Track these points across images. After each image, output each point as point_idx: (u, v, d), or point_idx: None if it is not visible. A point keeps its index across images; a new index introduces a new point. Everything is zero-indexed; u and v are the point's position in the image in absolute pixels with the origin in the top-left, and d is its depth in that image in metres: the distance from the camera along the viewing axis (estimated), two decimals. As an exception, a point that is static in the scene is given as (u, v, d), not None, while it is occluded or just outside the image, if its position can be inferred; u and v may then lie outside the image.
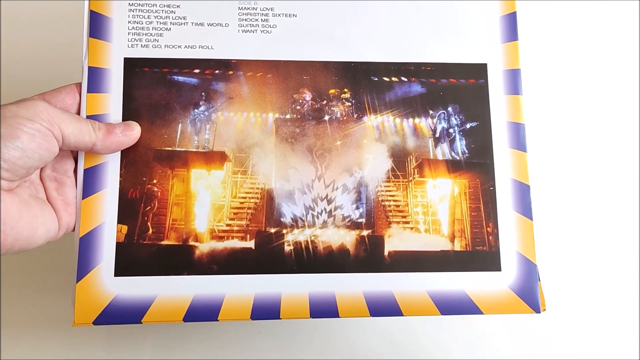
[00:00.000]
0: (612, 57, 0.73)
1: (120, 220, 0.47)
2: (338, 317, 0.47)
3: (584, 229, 0.68)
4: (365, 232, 0.49)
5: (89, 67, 0.49)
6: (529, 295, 0.48)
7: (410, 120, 0.51)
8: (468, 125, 0.51)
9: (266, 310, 0.46)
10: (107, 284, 0.46)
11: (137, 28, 0.50)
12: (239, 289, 0.47)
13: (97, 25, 0.49)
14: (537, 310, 0.48)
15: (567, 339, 0.65)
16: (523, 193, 0.50)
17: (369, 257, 0.48)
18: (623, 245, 0.68)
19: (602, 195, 0.69)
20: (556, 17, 0.75)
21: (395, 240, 0.49)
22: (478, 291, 0.48)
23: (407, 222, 0.49)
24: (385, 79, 0.51)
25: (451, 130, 0.51)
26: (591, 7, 0.75)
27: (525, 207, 0.50)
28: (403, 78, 0.51)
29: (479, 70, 0.52)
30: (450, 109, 0.51)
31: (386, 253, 0.48)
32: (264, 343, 0.62)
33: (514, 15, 0.53)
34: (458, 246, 0.49)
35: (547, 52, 0.73)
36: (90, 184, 0.47)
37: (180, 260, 0.47)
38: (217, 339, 0.61)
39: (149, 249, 0.47)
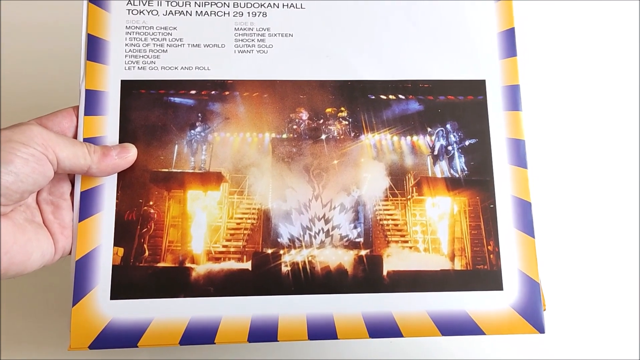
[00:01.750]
0: (613, 72, 0.73)
1: (116, 243, 0.47)
2: (337, 338, 0.46)
3: (583, 229, 0.67)
4: (363, 252, 0.48)
5: (86, 90, 0.49)
6: (532, 315, 0.47)
7: (408, 138, 0.51)
8: (467, 143, 0.50)
9: (263, 333, 0.46)
10: (103, 307, 0.45)
11: (134, 50, 0.50)
12: (236, 311, 0.46)
13: (94, 49, 0.50)
14: (542, 331, 0.47)
15: (567, 339, 0.64)
16: (524, 210, 0.49)
17: (368, 277, 0.48)
18: (622, 247, 0.67)
19: (602, 204, 0.68)
20: (556, 31, 0.74)
21: (394, 260, 0.48)
22: (480, 311, 0.47)
23: (406, 242, 0.49)
24: (383, 97, 0.51)
25: (450, 148, 0.51)
26: (591, 20, 0.75)
27: (526, 225, 0.49)
28: (400, 96, 0.51)
29: (478, 87, 0.51)
30: (448, 126, 0.51)
31: (385, 273, 0.48)
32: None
33: (512, 31, 0.53)
34: (458, 265, 0.48)
35: (547, 67, 0.73)
36: (86, 206, 0.47)
37: (176, 282, 0.46)
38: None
39: (145, 272, 0.47)
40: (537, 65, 0.72)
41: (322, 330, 0.46)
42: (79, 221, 0.47)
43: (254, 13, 0.52)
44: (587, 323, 0.65)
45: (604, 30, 0.74)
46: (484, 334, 0.47)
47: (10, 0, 0.70)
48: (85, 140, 0.48)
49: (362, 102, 0.51)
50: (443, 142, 0.51)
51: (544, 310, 0.47)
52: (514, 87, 0.52)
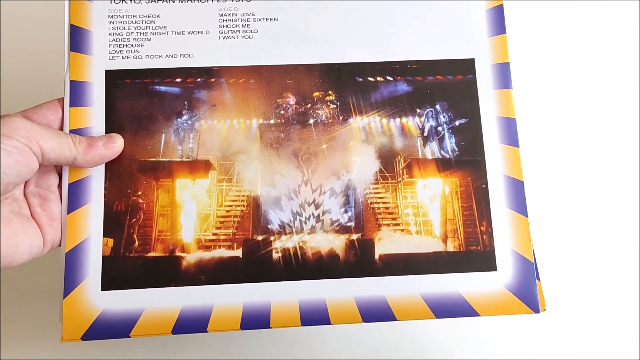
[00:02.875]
0: (605, 49, 0.72)
1: (106, 234, 0.46)
2: (330, 324, 0.46)
3: (583, 228, 0.67)
4: (354, 236, 0.48)
5: (71, 81, 0.48)
6: (527, 295, 0.47)
7: (398, 119, 0.50)
8: (457, 123, 0.50)
9: (256, 320, 0.46)
10: (94, 298, 0.45)
11: (118, 40, 0.50)
12: (228, 299, 0.46)
13: (77, 39, 0.49)
14: (536, 310, 0.47)
15: (567, 339, 0.63)
16: (517, 189, 0.49)
17: (360, 261, 0.47)
18: (623, 244, 0.66)
19: (601, 191, 0.68)
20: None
21: (386, 243, 0.48)
22: (474, 292, 0.47)
23: (398, 224, 0.48)
24: (370, 79, 0.50)
25: (440, 129, 0.50)
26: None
27: (519, 204, 0.48)
28: (388, 77, 0.50)
29: (467, 66, 0.51)
30: (438, 106, 0.50)
31: (377, 256, 0.47)
32: (260, 344, 0.61)
33: (500, 8, 0.52)
34: (451, 247, 0.48)
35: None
36: (75, 198, 0.47)
37: (167, 271, 0.46)
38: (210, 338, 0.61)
39: (136, 262, 0.46)
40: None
41: (315, 316, 0.46)
42: (68, 213, 0.46)
43: (238, -2, 0.51)
44: (587, 323, 0.64)
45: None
46: (478, 315, 0.47)
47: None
48: (71, 131, 0.47)
49: (349, 85, 0.50)
50: (433, 122, 0.50)
51: (544, 310, 0.47)
52: (503, 64, 0.51)
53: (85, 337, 0.45)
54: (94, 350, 0.61)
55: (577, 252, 0.66)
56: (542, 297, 0.47)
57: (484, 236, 0.48)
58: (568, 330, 0.63)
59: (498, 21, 0.52)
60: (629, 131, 0.69)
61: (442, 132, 0.50)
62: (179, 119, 0.49)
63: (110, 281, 0.46)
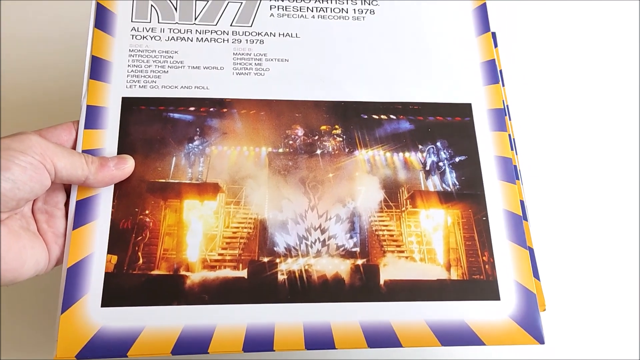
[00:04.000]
0: (606, 55, 0.77)
1: (110, 251, 0.46)
2: (334, 348, 0.44)
3: (582, 227, 0.68)
4: (360, 261, 0.48)
5: (88, 106, 0.50)
6: (531, 326, 0.47)
7: (401, 154, 0.52)
8: (457, 159, 0.52)
9: (259, 342, 0.44)
10: (93, 315, 0.44)
11: (136, 71, 0.52)
12: (231, 320, 0.45)
13: (97, 68, 0.52)
14: (541, 342, 0.46)
15: (567, 339, 0.63)
16: (516, 223, 0.50)
17: (365, 286, 0.47)
18: (623, 245, 0.68)
19: (602, 199, 0.70)
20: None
21: (391, 269, 0.48)
22: (478, 321, 0.47)
23: (402, 251, 0.49)
24: (375, 116, 0.53)
25: (441, 164, 0.52)
26: (588, 21, 0.80)
27: (519, 237, 0.50)
28: (392, 116, 0.53)
29: (464, 110, 0.54)
30: (439, 143, 0.53)
31: (382, 282, 0.47)
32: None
33: (493, 62, 0.56)
34: (455, 275, 0.48)
35: (541, 73, 0.77)
36: (81, 215, 0.47)
37: (170, 290, 0.45)
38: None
39: (139, 279, 0.45)
40: (530, 71, 0.76)
41: (319, 340, 0.45)
42: (74, 229, 0.46)
43: (251, 40, 0.55)
44: (587, 323, 0.64)
45: (602, 32, 0.80)
46: (484, 344, 0.46)
47: (20, 15, 0.73)
48: (84, 152, 0.48)
49: (355, 121, 0.53)
50: (434, 158, 0.52)
51: (544, 310, 0.47)
52: (498, 110, 0.54)
53: (81, 355, 0.43)
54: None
55: (577, 252, 0.67)
56: (542, 297, 0.48)
57: (487, 266, 0.48)
58: (568, 330, 0.63)
59: (492, 72, 0.56)
60: (629, 132, 0.73)
61: (443, 167, 0.52)
62: (190, 144, 0.50)
63: (111, 298, 0.45)
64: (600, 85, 0.77)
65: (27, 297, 0.61)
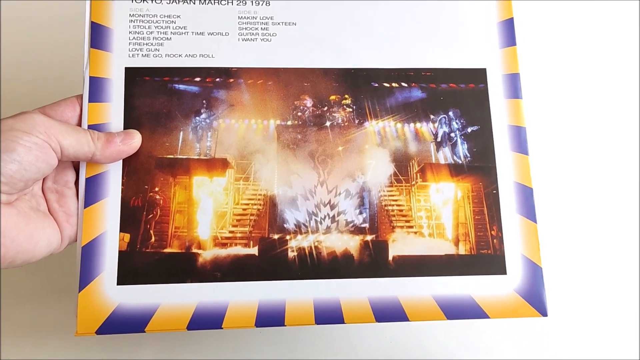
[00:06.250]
0: (612, 58, 0.74)
1: (122, 229, 0.47)
2: (343, 322, 0.46)
3: (584, 230, 0.68)
4: (369, 237, 0.48)
5: (90, 77, 0.49)
6: (535, 299, 0.48)
7: (412, 125, 0.51)
8: (469, 129, 0.51)
9: (270, 317, 0.46)
10: (110, 292, 0.45)
11: (138, 38, 0.50)
12: (243, 296, 0.46)
13: (98, 36, 0.50)
14: (544, 314, 0.48)
15: (567, 339, 0.64)
16: (526, 196, 0.50)
17: (373, 262, 0.48)
18: (623, 245, 0.68)
19: (603, 196, 0.69)
20: (556, 18, 0.75)
21: (399, 245, 0.48)
22: (484, 295, 0.48)
23: (411, 227, 0.49)
24: (386, 84, 0.51)
25: (452, 135, 0.51)
26: (591, 7, 0.76)
27: (528, 210, 0.50)
28: (403, 84, 0.51)
29: (479, 75, 0.52)
30: (451, 113, 0.51)
31: (390, 258, 0.48)
32: (266, 342, 0.61)
33: (511, 21, 0.54)
34: (462, 250, 0.49)
35: (547, 55, 0.74)
36: (92, 193, 0.47)
37: (183, 267, 0.46)
38: (219, 338, 0.61)
39: (152, 257, 0.46)
40: (538, 53, 0.73)
41: (328, 315, 0.46)
42: (85, 207, 0.46)
43: (257, 2, 0.52)
44: (587, 323, 0.65)
45: (605, 16, 0.76)
46: (488, 317, 0.47)
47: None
48: (89, 127, 0.48)
49: (365, 89, 0.51)
50: (446, 129, 0.51)
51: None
52: (514, 75, 0.52)
53: (100, 331, 0.44)
54: (102, 350, 0.60)
55: (577, 252, 0.67)
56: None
57: (495, 240, 0.49)
58: (568, 330, 0.64)
59: (509, 33, 0.53)
60: (634, 137, 0.71)
61: (455, 138, 0.51)
62: (197, 117, 0.49)
63: (126, 276, 0.46)
64: (600, 85, 0.73)
65: (31, 281, 0.63)
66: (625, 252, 0.67)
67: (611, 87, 0.73)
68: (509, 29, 0.53)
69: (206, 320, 0.45)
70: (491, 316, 0.47)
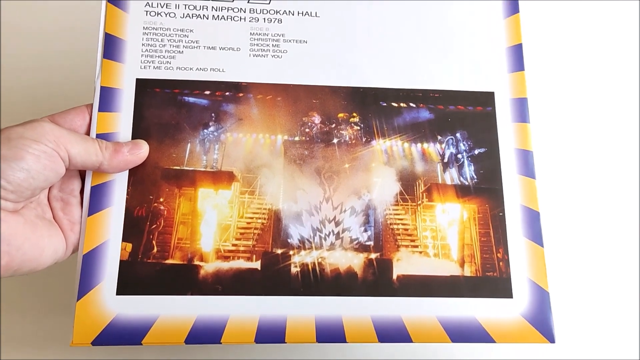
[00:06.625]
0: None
1: (125, 238, 0.46)
2: (345, 341, 0.45)
3: (583, 229, 0.68)
4: (373, 255, 0.48)
5: (101, 87, 0.49)
6: (542, 325, 0.47)
7: (419, 145, 0.51)
8: (476, 151, 0.51)
9: (271, 333, 0.45)
10: (109, 302, 0.45)
11: (150, 50, 0.51)
12: (244, 311, 0.45)
13: (111, 47, 0.50)
14: (552, 340, 0.47)
15: (567, 339, 0.63)
16: (533, 219, 0.49)
17: (377, 280, 0.47)
18: (622, 246, 0.68)
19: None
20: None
21: (404, 264, 0.48)
22: (489, 318, 0.47)
23: (416, 246, 0.49)
24: (394, 104, 0.52)
25: (459, 156, 0.51)
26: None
27: (535, 234, 0.49)
28: (411, 104, 0.52)
29: (487, 98, 0.52)
30: (458, 134, 0.51)
31: (395, 277, 0.47)
32: (265, 348, 0.61)
33: (520, 47, 0.54)
34: (468, 271, 0.48)
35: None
36: (96, 201, 0.47)
37: (184, 279, 0.46)
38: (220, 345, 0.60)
39: (153, 268, 0.46)
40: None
41: (330, 333, 0.45)
42: (89, 215, 0.46)
43: (269, 19, 0.53)
44: (587, 323, 0.64)
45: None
46: (494, 341, 0.46)
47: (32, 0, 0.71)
48: (98, 136, 0.48)
49: (373, 108, 0.51)
50: (453, 150, 0.51)
51: None
52: (522, 99, 0.52)
53: (97, 342, 0.44)
54: (102, 355, 0.59)
55: (577, 253, 0.67)
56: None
57: (501, 263, 0.48)
58: (568, 330, 0.64)
59: (517, 58, 0.54)
60: (629, 131, 0.71)
61: (462, 160, 0.51)
62: (205, 130, 0.49)
63: (126, 286, 0.45)
64: (600, 84, 0.74)
65: (30, 291, 0.62)
66: (625, 251, 0.67)
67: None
68: (517, 54, 0.54)
69: (205, 335, 0.45)
70: (497, 340, 0.46)
